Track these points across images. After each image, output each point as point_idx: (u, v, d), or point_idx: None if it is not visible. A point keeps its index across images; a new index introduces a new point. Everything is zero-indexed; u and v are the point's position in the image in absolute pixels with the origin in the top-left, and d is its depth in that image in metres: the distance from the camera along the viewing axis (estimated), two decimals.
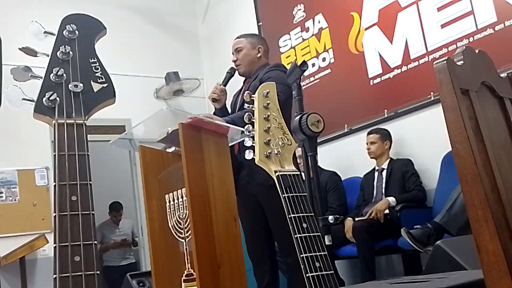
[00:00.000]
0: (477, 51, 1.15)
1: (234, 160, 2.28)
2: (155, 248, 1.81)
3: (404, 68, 3.73)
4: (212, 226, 1.59)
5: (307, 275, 1.00)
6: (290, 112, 2.19)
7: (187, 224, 1.69)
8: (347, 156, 4.15)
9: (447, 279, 1.42)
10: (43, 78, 0.87)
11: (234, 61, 2.85)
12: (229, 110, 2.86)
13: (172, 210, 1.79)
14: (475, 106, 1.03)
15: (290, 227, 1.06)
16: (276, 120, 1.18)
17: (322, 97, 4.27)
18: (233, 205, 1.69)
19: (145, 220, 1.90)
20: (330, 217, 1.76)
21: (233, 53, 2.88)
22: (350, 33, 4.11)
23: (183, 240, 1.75)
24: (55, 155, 0.82)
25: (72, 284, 0.74)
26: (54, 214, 0.78)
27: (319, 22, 4.40)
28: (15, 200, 4.54)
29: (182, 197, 1.74)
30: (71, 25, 0.92)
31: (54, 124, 0.84)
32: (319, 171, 1.93)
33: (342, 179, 3.99)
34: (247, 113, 1.18)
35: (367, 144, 3.70)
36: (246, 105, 1.19)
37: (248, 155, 1.15)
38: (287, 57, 4.65)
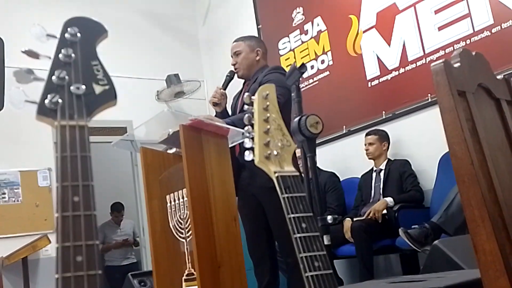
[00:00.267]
0: (474, 53, 1.16)
1: (235, 161, 2.29)
2: (156, 248, 1.82)
3: (401, 70, 3.75)
4: (213, 226, 1.60)
5: (306, 274, 1.01)
6: (290, 114, 2.20)
7: (187, 224, 1.70)
8: (345, 157, 4.17)
9: (445, 279, 1.42)
10: (45, 80, 0.88)
11: (233, 65, 2.86)
12: (230, 113, 2.87)
13: (173, 211, 1.80)
14: (472, 107, 1.04)
15: (289, 227, 1.07)
16: (275, 121, 1.19)
17: (321, 99, 4.28)
18: (233, 206, 1.70)
19: (146, 221, 1.92)
20: (329, 217, 1.77)
21: (232, 56, 2.89)
22: (349, 35, 4.12)
23: (183, 240, 1.76)
24: (57, 156, 0.82)
25: (74, 284, 0.74)
26: (56, 215, 0.78)
27: (318, 25, 4.41)
28: (17, 201, 4.54)
29: (183, 198, 1.75)
30: (73, 28, 0.92)
31: (57, 126, 0.85)
32: (318, 172, 1.94)
33: (341, 179, 4.00)
34: (247, 115, 1.19)
35: (365, 145, 3.71)
36: (246, 107, 1.20)
37: (248, 156, 1.16)
38: (286, 60, 4.67)
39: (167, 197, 1.84)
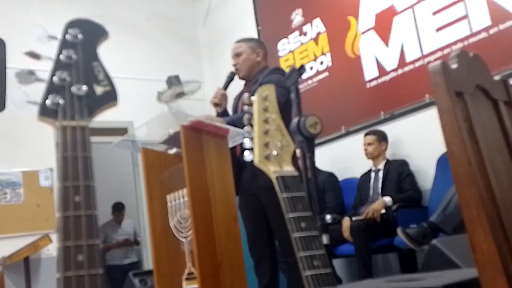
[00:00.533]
0: (471, 55, 1.17)
1: (236, 161, 2.30)
2: (157, 248, 1.83)
3: (400, 71, 3.75)
4: (213, 226, 1.61)
5: (305, 273, 1.01)
6: (290, 115, 2.21)
7: (188, 224, 1.70)
8: (344, 157, 4.17)
9: (443, 278, 1.43)
10: (46, 81, 0.89)
11: (234, 65, 2.87)
12: (230, 113, 2.88)
13: (174, 210, 1.81)
14: (470, 108, 1.05)
15: (289, 227, 1.07)
16: (275, 122, 1.20)
17: (320, 99, 4.29)
18: (233, 205, 1.71)
19: (147, 220, 1.92)
20: (328, 217, 1.77)
21: (232, 57, 2.89)
22: (347, 37, 4.13)
23: (184, 240, 1.77)
24: (58, 156, 0.83)
25: (75, 283, 0.75)
26: (58, 215, 0.79)
27: (317, 26, 4.42)
28: (19, 201, 4.55)
29: (183, 198, 1.76)
30: (74, 29, 0.93)
31: (58, 127, 0.85)
32: (316, 172, 1.94)
33: (339, 179, 4.01)
34: (246, 115, 1.20)
35: (364, 145, 3.72)
36: (245, 108, 1.21)
37: (248, 156, 1.17)
38: (285, 61, 4.67)
39: (168, 197, 1.85)
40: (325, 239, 1.73)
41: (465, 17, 3.34)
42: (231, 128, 1.78)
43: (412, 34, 3.65)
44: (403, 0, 3.71)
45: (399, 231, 2.90)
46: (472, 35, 3.31)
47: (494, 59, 2.94)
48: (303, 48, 4.55)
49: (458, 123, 0.98)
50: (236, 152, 2.46)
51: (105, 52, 1.03)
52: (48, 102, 0.86)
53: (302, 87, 4.35)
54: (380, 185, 3.59)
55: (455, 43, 3.38)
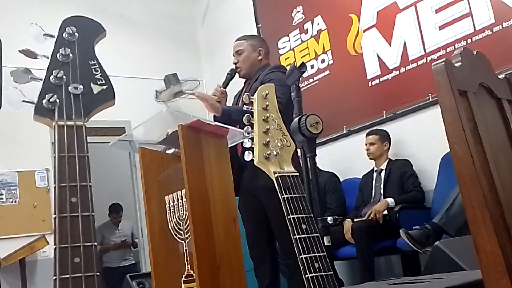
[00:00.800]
0: (475, 53, 1.15)
1: (236, 161, 2.28)
2: (155, 249, 1.82)
3: (402, 70, 3.74)
4: (212, 227, 1.60)
5: (306, 276, 1.00)
6: (292, 114, 2.20)
7: (186, 225, 1.69)
8: (345, 157, 4.16)
9: (446, 280, 1.42)
10: (43, 80, 0.88)
11: (235, 63, 2.85)
12: None
13: (172, 212, 1.80)
14: (473, 107, 1.03)
15: (289, 228, 1.06)
16: (275, 121, 1.19)
17: (321, 98, 4.28)
18: (233, 206, 1.70)
19: (145, 222, 1.91)
20: (329, 218, 1.76)
21: (233, 55, 2.88)
22: (349, 35, 4.12)
23: (182, 241, 1.76)
24: (55, 156, 0.82)
25: (72, 286, 0.74)
26: (54, 216, 0.78)
27: (318, 24, 4.40)
28: (15, 201, 4.54)
29: (181, 198, 1.75)
30: (71, 27, 0.92)
31: (54, 126, 0.84)
32: (318, 172, 1.93)
33: (341, 180, 3.99)
34: (246, 115, 1.19)
35: (366, 145, 3.70)
36: (245, 107, 1.20)
37: (248, 156, 1.16)
38: (286, 59, 4.66)
39: (166, 198, 1.84)
40: (326, 240, 1.72)
41: (468, 14, 3.32)
42: (231, 127, 1.77)
43: (415, 32, 3.64)
44: None
45: (401, 232, 2.89)
46: (475, 33, 3.29)
47: (497, 57, 2.93)
48: (303, 46, 4.54)
49: (462, 122, 0.97)
50: (237, 152, 2.45)
51: (102, 50, 1.02)
52: (44, 101, 0.85)
53: (302, 85, 4.33)
54: (382, 185, 3.57)
55: (458, 41, 3.37)
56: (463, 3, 3.35)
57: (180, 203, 1.74)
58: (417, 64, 3.64)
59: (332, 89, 4.26)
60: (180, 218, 1.75)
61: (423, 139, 3.57)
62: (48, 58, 0.90)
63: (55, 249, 0.76)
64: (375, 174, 3.67)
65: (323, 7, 4.36)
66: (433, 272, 1.77)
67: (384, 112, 3.84)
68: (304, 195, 1.12)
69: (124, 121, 4.80)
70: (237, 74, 2.86)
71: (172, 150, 1.88)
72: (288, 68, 2.06)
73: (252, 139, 1.17)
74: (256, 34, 4.80)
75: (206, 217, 1.61)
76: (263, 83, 2.49)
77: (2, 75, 3.91)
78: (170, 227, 1.81)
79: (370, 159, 3.71)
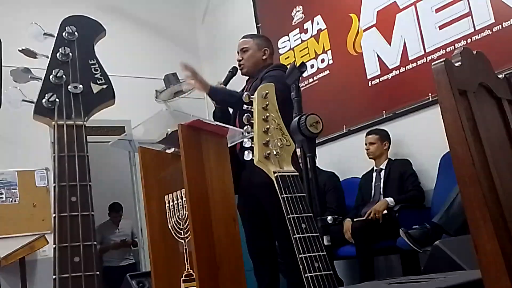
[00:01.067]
0: (475, 52, 1.15)
1: (235, 159, 2.28)
2: (155, 249, 1.82)
3: (402, 69, 3.74)
4: (212, 226, 1.60)
5: (306, 275, 1.00)
6: (291, 113, 2.20)
7: (186, 224, 1.69)
8: (345, 157, 4.16)
9: (446, 279, 1.42)
10: (42, 79, 0.88)
11: (239, 60, 2.85)
12: (231, 110, 2.86)
13: (172, 211, 1.80)
14: (473, 107, 1.03)
15: (289, 228, 1.06)
16: (275, 121, 1.19)
17: (320, 98, 4.27)
18: (233, 206, 1.70)
19: (144, 221, 1.91)
20: (329, 218, 1.76)
21: (238, 52, 2.87)
22: (349, 34, 4.12)
23: (182, 241, 1.76)
24: (54, 156, 0.82)
25: (71, 285, 0.74)
26: (54, 215, 0.78)
27: (317, 23, 4.40)
28: (15, 201, 4.54)
29: (181, 198, 1.75)
30: (71, 26, 0.92)
31: (54, 126, 0.84)
32: (317, 172, 1.93)
33: (341, 179, 3.99)
34: (246, 114, 1.19)
35: (366, 144, 3.70)
36: (245, 106, 1.20)
37: (247, 156, 1.16)
38: (286, 59, 4.66)
39: (166, 197, 1.84)
40: (326, 240, 1.72)
41: (468, 14, 3.32)
42: (231, 127, 1.77)
43: (414, 32, 3.64)
44: None
45: (401, 232, 2.89)
46: (475, 32, 3.29)
47: (497, 57, 2.92)
48: (303, 46, 4.53)
49: (462, 122, 0.97)
50: (236, 150, 2.45)
51: (102, 49, 1.02)
52: (44, 100, 0.85)
53: (302, 85, 4.33)
54: (382, 185, 3.57)
55: (458, 41, 3.37)
56: (463, 3, 3.34)
57: (180, 202, 1.75)
58: (417, 63, 3.64)
59: (332, 89, 4.26)
60: (180, 217, 1.75)
61: (423, 139, 3.57)
62: (47, 57, 0.90)
63: (55, 248, 0.76)
64: (374, 174, 3.67)
65: (323, 6, 4.36)
66: (433, 272, 1.77)
67: (384, 111, 3.84)
68: (304, 194, 1.12)
69: (124, 120, 4.80)
70: (238, 73, 2.86)
71: (172, 150, 1.88)
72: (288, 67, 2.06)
73: (252, 138, 1.17)
74: (257, 33, 4.80)
75: (206, 216, 1.61)
76: (263, 80, 2.50)
77: (1, 75, 3.91)
78: (170, 227, 1.81)
79: (370, 158, 3.71)
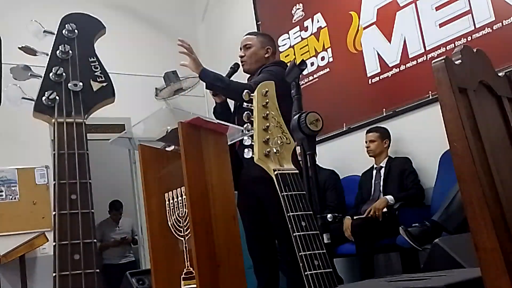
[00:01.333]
0: (475, 50, 1.15)
1: (235, 157, 2.28)
2: (155, 247, 1.82)
3: (402, 67, 3.74)
4: (212, 224, 1.60)
5: (305, 273, 1.00)
6: (289, 110, 2.19)
7: (186, 222, 1.69)
8: (345, 155, 4.16)
9: (445, 277, 1.42)
10: (42, 77, 0.88)
11: (241, 57, 2.85)
12: (232, 107, 2.86)
13: (172, 209, 1.80)
14: (473, 105, 1.03)
15: (289, 226, 1.06)
16: (275, 119, 1.19)
17: (321, 96, 4.27)
18: (232, 204, 1.70)
19: (144, 219, 1.91)
20: (329, 216, 1.76)
21: (241, 49, 2.87)
22: (349, 32, 4.11)
23: (182, 239, 1.76)
24: (54, 154, 0.82)
25: (71, 282, 0.74)
26: (54, 213, 0.78)
27: (318, 21, 4.40)
28: (15, 198, 4.54)
29: (181, 196, 1.75)
30: (71, 24, 0.92)
31: (54, 123, 0.84)
32: (317, 170, 1.93)
33: (341, 177, 3.99)
34: (246, 112, 1.19)
35: (366, 142, 3.70)
36: (245, 104, 1.20)
37: (247, 153, 1.15)
38: (286, 56, 4.65)
39: (166, 195, 1.84)
40: (325, 238, 1.72)
41: (468, 12, 3.32)
42: (231, 125, 1.77)
43: (415, 30, 3.63)
44: None
45: (401, 230, 2.89)
46: (476, 30, 3.29)
47: (497, 55, 2.92)
48: (303, 44, 4.53)
49: (462, 120, 0.97)
50: (235, 148, 2.45)
51: (102, 47, 1.02)
52: (44, 98, 0.85)
53: (302, 83, 4.32)
54: (382, 183, 3.57)
55: (458, 38, 3.36)
56: (463, 1, 3.34)
57: (180, 200, 1.75)
58: (417, 61, 3.64)
59: (332, 87, 4.26)
60: (180, 215, 1.75)
61: (423, 137, 3.57)
62: (47, 55, 0.90)
63: (54, 246, 0.76)
64: (374, 172, 3.67)
65: (323, 4, 4.35)
66: (432, 270, 1.77)
67: (384, 109, 3.84)
68: (304, 192, 1.12)
69: (124, 118, 4.80)
70: (240, 69, 2.86)
71: (172, 147, 1.88)
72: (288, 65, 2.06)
73: (251, 136, 1.17)
74: (261, 32, 4.79)
75: (206, 214, 1.61)
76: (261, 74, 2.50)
77: (1, 72, 3.90)
78: (170, 224, 1.81)
79: (370, 156, 3.71)
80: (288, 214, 1.06)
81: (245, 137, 1.18)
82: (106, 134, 4.59)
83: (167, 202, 1.84)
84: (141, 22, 5.48)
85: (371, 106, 3.93)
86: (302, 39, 4.54)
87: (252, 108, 1.19)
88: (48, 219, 4.44)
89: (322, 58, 4.36)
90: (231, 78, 2.78)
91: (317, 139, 1.87)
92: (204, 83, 2.69)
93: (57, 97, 0.85)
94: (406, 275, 2.04)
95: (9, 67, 0.98)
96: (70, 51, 0.90)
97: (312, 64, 4.42)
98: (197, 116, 1.69)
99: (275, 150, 1.15)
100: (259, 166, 1.15)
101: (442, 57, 1.01)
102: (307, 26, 4.50)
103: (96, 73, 0.91)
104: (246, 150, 1.16)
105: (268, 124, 1.17)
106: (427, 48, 3.57)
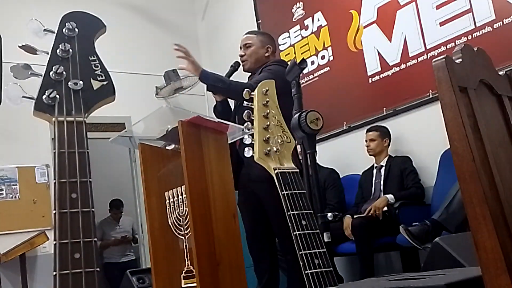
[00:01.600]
0: (475, 49, 1.15)
1: (236, 156, 2.28)
2: (155, 245, 1.82)
3: (402, 66, 3.73)
4: (212, 223, 1.60)
5: (306, 272, 1.00)
6: (290, 109, 2.19)
7: (186, 221, 1.69)
8: (345, 154, 4.16)
9: (446, 276, 1.42)
10: (43, 76, 0.88)
11: (241, 56, 2.85)
12: (232, 106, 2.86)
13: (172, 207, 1.80)
14: (474, 103, 1.03)
15: (289, 224, 1.06)
16: (275, 117, 1.19)
17: (321, 95, 4.27)
18: (233, 202, 1.70)
19: (145, 217, 1.91)
20: (329, 214, 1.76)
21: (241, 48, 2.87)
22: (349, 31, 4.11)
23: (182, 237, 1.76)
24: (55, 152, 0.82)
25: (72, 281, 0.74)
26: (54, 211, 0.78)
27: (318, 20, 4.39)
28: (15, 197, 4.54)
29: (181, 194, 1.75)
30: (71, 22, 0.92)
31: (54, 122, 0.84)
32: (317, 169, 1.93)
33: (341, 176, 3.99)
34: (246, 111, 1.19)
35: (366, 141, 3.70)
36: (245, 103, 1.20)
37: (248, 152, 1.15)
38: (286, 55, 4.65)
39: (166, 193, 1.84)
40: (326, 237, 1.72)
41: (469, 11, 3.32)
42: (231, 124, 1.77)
43: (415, 28, 3.63)
44: None
45: (401, 229, 2.89)
46: (476, 29, 3.28)
47: (498, 54, 2.92)
48: (304, 42, 4.53)
49: (462, 119, 0.97)
50: (235, 147, 2.45)
51: (102, 46, 1.02)
52: (44, 97, 0.85)
53: (303, 82, 4.32)
54: (382, 182, 3.57)
55: (458, 37, 3.36)
56: (464, 0, 3.34)
57: (180, 199, 1.75)
58: (417, 60, 3.63)
59: (332, 86, 4.26)
60: (180, 214, 1.75)
61: (423, 136, 3.57)
62: (48, 53, 0.90)
63: (55, 244, 0.76)
64: (375, 171, 3.67)
65: (323, 3, 4.35)
66: (433, 269, 1.77)
67: (384, 108, 3.84)
68: (304, 191, 1.12)
69: (124, 117, 4.80)
70: (241, 68, 2.86)
71: (172, 146, 1.88)
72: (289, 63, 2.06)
73: (252, 135, 1.17)
74: (261, 30, 4.79)
75: (206, 213, 1.61)
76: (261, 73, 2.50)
77: (2, 71, 3.90)
78: (170, 223, 1.81)
79: (370, 155, 3.71)
80: (288, 213, 1.06)
81: (246, 136, 1.18)
82: (106, 132, 4.60)
83: (167, 201, 1.84)
84: (141, 21, 5.48)
85: (372, 105, 3.93)
86: (303, 37, 4.54)
87: (253, 106, 1.19)
88: (48, 218, 4.44)
89: (323, 57, 4.36)
90: (232, 77, 2.78)
91: (317, 138, 1.87)
92: (205, 84, 2.69)
93: (57, 96, 0.85)
94: (406, 274, 2.04)
95: (9, 65, 0.98)
96: (71, 50, 0.90)
97: (312, 63, 4.42)
98: (198, 115, 1.69)
99: (275, 149, 1.15)
100: (260, 165, 1.15)
101: (442, 56, 1.01)
102: (307, 25, 4.50)
103: (96, 72, 0.91)
104: (246, 149, 1.16)
105: (268, 123, 1.17)
106: (427, 47, 3.56)
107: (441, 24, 3.47)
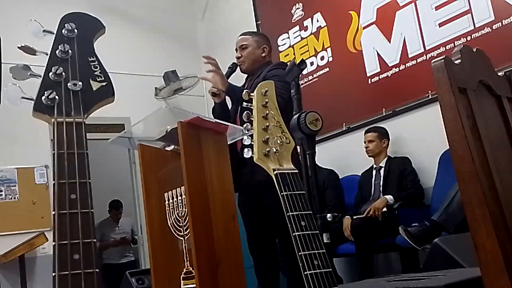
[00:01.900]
0: (475, 50, 1.15)
1: (236, 157, 2.28)
2: (154, 246, 1.82)
3: (402, 67, 3.74)
4: (211, 224, 1.60)
5: (305, 272, 1.00)
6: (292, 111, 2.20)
7: (186, 222, 1.69)
8: (345, 155, 4.16)
9: (445, 277, 1.42)
10: (42, 76, 0.87)
11: (238, 58, 2.85)
12: (230, 105, 2.86)
13: (171, 208, 1.80)
14: (473, 104, 1.03)
15: (289, 225, 1.06)
16: (274, 118, 1.19)
17: (320, 95, 4.27)
18: (232, 203, 1.70)
19: (144, 218, 1.91)
20: (329, 215, 1.76)
21: (236, 50, 2.87)
22: (349, 32, 4.11)
23: (182, 238, 1.76)
24: (54, 153, 0.82)
25: (71, 282, 0.74)
26: (54, 212, 0.78)
27: (317, 21, 4.40)
28: (14, 198, 4.54)
29: (181, 195, 1.75)
30: (70, 23, 0.92)
31: (53, 123, 0.84)
32: (317, 170, 1.93)
33: (340, 177, 3.99)
34: (246, 112, 1.19)
35: (365, 142, 3.70)
36: (244, 104, 1.20)
37: (247, 153, 1.15)
38: (285, 56, 4.65)
39: (165, 194, 1.84)
40: (325, 237, 1.72)
41: (468, 12, 3.32)
42: (230, 124, 1.77)
43: (414, 29, 3.63)
44: None
45: (400, 229, 2.89)
46: (475, 30, 3.29)
47: (497, 55, 2.92)
48: (303, 43, 4.53)
49: (461, 119, 0.97)
50: (236, 148, 2.45)
51: (102, 46, 1.02)
52: (43, 98, 0.85)
53: (302, 82, 4.32)
54: (381, 183, 3.57)
55: (457, 38, 3.36)
56: (463, 0, 3.34)
57: (180, 200, 1.75)
58: (416, 61, 3.64)
59: (331, 86, 4.26)
60: (180, 215, 1.75)
61: (422, 136, 3.57)
62: (47, 54, 0.89)
63: (54, 245, 0.76)
64: (374, 172, 3.67)
65: (322, 4, 4.35)
66: (432, 269, 1.77)
67: (384, 109, 3.84)
68: (304, 192, 1.12)
69: (124, 118, 4.80)
70: (238, 69, 2.86)
71: (171, 147, 1.88)
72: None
73: (251, 136, 1.17)
74: (255, 31, 4.79)
75: (206, 214, 1.61)
76: (266, 79, 2.49)
77: (1, 72, 3.90)
78: (169, 224, 1.81)
79: (369, 156, 3.71)
80: (288, 214, 1.06)
81: (245, 137, 1.18)
82: (105, 133, 4.60)
83: (166, 202, 1.84)
84: (141, 22, 5.48)
85: (371, 106, 3.93)
86: (302, 38, 4.54)
87: (252, 107, 1.19)
88: (47, 219, 4.44)
89: (322, 58, 4.36)
90: (230, 78, 2.78)
91: (316, 139, 1.87)
92: (226, 94, 2.67)
93: (56, 97, 0.85)
94: (405, 274, 2.04)
95: (8, 66, 0.98)
96: (70, 51, 0.90)
97: (311, 63, 4.42)
98: (197, 116, 1.69)
99: (274, 150, 1.15)
100: (262, 168, 1.15)
101: (441, 57, 1.01)
102: (306, 26, 4.50)
103: (95, 73, 0.90)
104: (245, 149, 1.16)
105: (267, 123, 1.17)
106: (426, 48, 3.57)
107: (440, 25, 3.48)
